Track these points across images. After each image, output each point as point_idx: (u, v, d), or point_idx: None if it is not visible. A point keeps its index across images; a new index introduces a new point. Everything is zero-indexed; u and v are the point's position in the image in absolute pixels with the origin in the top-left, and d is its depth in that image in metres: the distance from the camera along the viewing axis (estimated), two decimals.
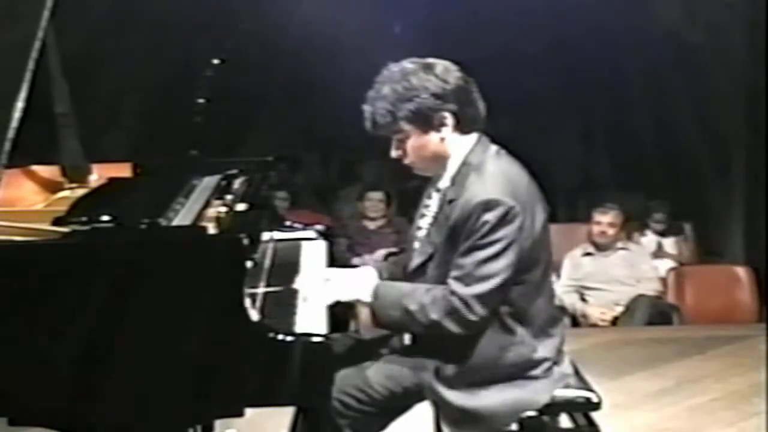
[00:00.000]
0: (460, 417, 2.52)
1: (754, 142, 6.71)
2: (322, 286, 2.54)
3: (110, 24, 6.12)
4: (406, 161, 2.57)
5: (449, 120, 2.49)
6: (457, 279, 2.42)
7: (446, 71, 2.49)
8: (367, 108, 2.51)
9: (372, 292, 2.51)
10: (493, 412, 2.50)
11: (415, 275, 2.58)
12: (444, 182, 2.57)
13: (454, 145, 2.52)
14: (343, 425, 2.57)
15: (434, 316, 2.41)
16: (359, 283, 2.55)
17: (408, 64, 2.50)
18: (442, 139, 2.51)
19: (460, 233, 2.43)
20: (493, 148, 2.57)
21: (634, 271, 6.08)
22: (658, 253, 6.79)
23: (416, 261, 2.59)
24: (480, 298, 2.40)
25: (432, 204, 2.63)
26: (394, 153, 2.56)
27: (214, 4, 6.57)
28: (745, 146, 7.09)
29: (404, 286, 2.54)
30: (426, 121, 2.48)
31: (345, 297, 2.53)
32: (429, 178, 2.67)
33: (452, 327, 2.41)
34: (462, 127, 2.51)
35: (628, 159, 8.10)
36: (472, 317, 2.40)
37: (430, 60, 2.51)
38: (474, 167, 2.50)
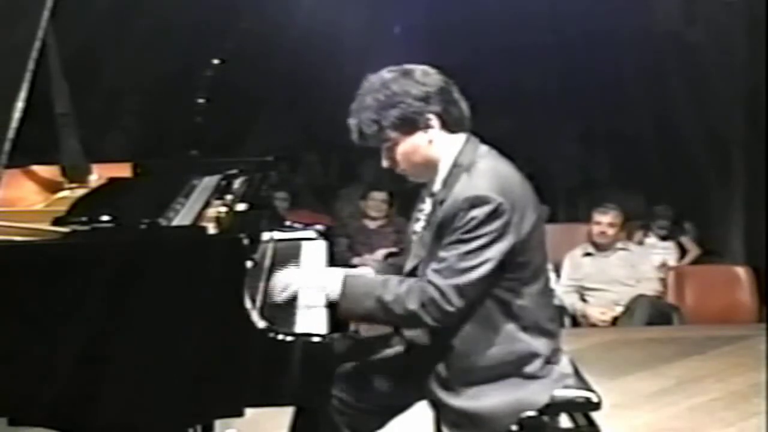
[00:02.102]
0: (459, 419, 2.52)
1: (754, 142, 6.71)
2: (288, 287, 2.51)
3: (110, 24, 6.12)
4: (398, 170, 2.57)
5: (434, 122, 2.49)
6: (437, 271, 2.41)
7: (425, 75, 2.50)
8: (352, 121, 2.52)
9: (340, 284, 2.47)
10: (493, 413, 2.49)
11: (409, 276, 2.56)
12: (436, 186, 2.56)
13: (443, 147, 2.52)
14: (341, 423, 2.57)
15: (411, 306, 2.39)
16: (324, 277, 2.52)
17: (387, 73, 2.50)
18: (430, 142, 2.50)
19: (446, 229, 2.43)
20: (484, 147, 2.57)
21: (634, 272, 6.08)
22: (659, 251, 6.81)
23: (410, 264, 2.59)
24: (457, 288, 2.38)
25: (426, 208, 2.63)
26: (385, 163, 2.57)
27: (214, 4, 6.58)
28: (745, 146, 7.10)
29: (375, 278, 2.54)
30: (412, 125, 2.48)
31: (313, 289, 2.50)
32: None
33: (428, 318, 2.40)
34: (448, 128, 2.52)
35: (628, 159, 8.11)
36: (449, 308, 2.39)
37: (409, 66, 2.52)
38: (465, 168, 2.49)
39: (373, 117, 2.47)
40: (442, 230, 2.45)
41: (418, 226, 2.64)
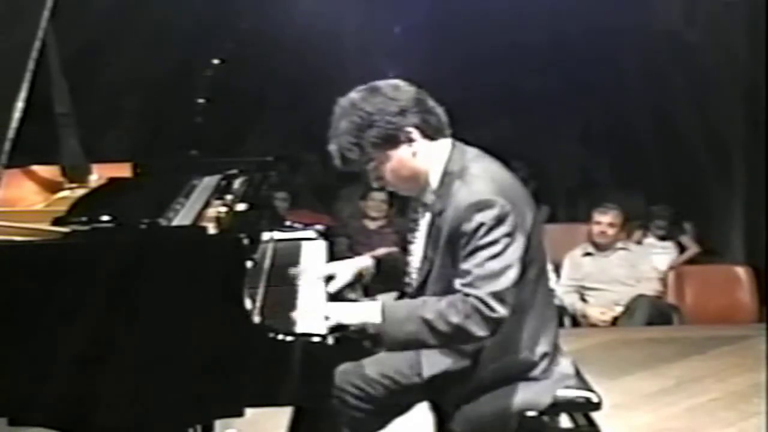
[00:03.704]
0: (463, 425, 2.51)
1: (754, 142, 6.71)
2: (329, 311, 2.45)
3: (110, 24, 6.12)
4: (389, 187, 2.56)
5: (415, 134, 2.47)
6: (467, 284, 2.36)
7: (396, 89, 2.47)
8: (332, 147, 2.51)
9: (380, 311, 2.42)
10: (496, 417, 2.49)
11: (417, 294, 2.55)
12: (430, 196, 2.53)
13: (429, 157, 2.49)
14: (341, 423, 2.56)
15: (455, 319, 2.33)
16: (363, 309, 2.47)
17: (355, 94, 2.49)
18: (414, 154, 2.48)
19: (457, 241, 2.40)
20: (471, 150, 2.54)
21: (634, 271, 6.08)
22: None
23: (418, 279, 2.57)
24: (496, 295, 2.34)
25: (421, 219, 2.61)
26: (374, 183, 2.56)
27: (214, 4, 6.58)
28: (745, 146, 7.10)
29: (413, 301, 2.49)
30: (393, 141, 2.46)
31: (353, 321, 2.45)
32: None
33: (475, 328, 2.34)
34: (429, 137, 2.49)
35: (628, 159, 8.11)
36: (494, 315, 2.33)
37: (376, 83, 2.50)
38: (457, 174, 2.47)
39: (353, 140, 2.45)
40: (452, 243, 2.41)
41: (416, 238, 2.63)
